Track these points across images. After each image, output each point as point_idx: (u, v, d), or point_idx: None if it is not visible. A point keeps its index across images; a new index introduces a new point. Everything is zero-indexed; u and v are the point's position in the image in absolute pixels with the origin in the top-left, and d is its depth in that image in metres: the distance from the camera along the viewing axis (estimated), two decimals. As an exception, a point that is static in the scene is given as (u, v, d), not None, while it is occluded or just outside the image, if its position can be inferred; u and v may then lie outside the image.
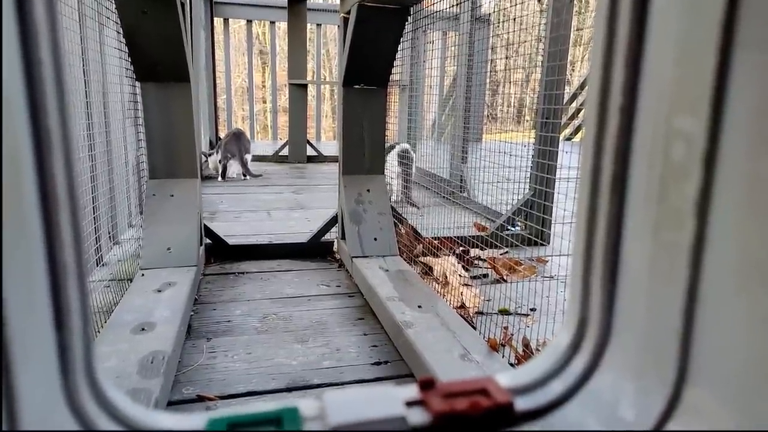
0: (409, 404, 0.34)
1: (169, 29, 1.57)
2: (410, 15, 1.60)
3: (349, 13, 1.65)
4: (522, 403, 0.34)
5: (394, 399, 0.34)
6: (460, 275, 1.74)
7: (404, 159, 2.75)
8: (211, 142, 4.22)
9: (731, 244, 0.26)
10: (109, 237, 1.96)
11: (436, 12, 2.23)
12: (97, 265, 1.77)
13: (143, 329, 1.24)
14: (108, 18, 1.76)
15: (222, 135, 3.96)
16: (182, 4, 1.62)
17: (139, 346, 1.15)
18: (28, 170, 0.25)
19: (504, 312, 1.52)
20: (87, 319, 0.29)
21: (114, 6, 1.51)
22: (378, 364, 1.26)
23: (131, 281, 1.54)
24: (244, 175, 3.59)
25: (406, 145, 2.85)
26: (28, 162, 0.25)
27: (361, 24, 1.59)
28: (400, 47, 1.71)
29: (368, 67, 1.75)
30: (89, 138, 1.69)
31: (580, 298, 0.36)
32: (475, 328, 1.36)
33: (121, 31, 1.59)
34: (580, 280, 0.36)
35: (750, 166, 0.24)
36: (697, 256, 0.27)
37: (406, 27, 1.65)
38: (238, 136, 3.56)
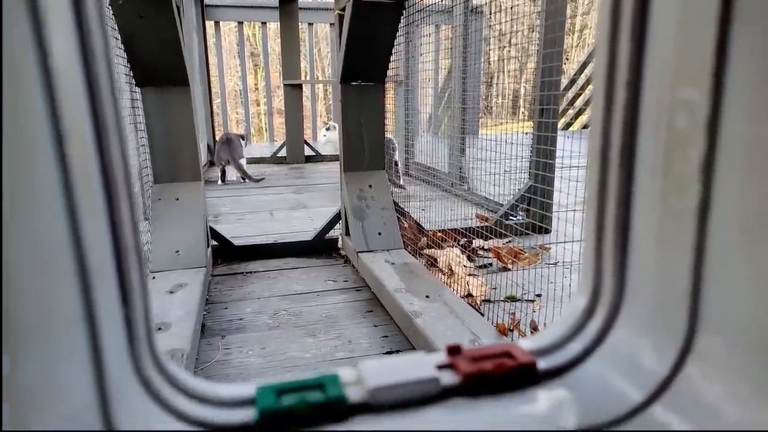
0: (440, 367, 0.37)
1: (166, 33, 1.59)
2: (405, 9, 1.62)
3: (344, 9, 1.67)
4: (544, 363, 0.37)
5: (425, 364, 0.36)
6: (464, 266, 1.77)
7: (387, 148, 2.90)
8: (209, 146, 4.23)
9: (734, 206, 0.28)
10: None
11: (430, 5, 2.26)
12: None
13: (159, 329, 1.26)
14: (106, 24, 1.77)
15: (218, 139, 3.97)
16: (178, 7, 1.64)
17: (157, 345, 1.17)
18: (93, 157, 0.27)
19: (511, 298, 1.55)
20: (146, 296, 0.31)
21: (111, 12, 1.53)
22: (390, 353, 1.29)
23: (142, 284, 1.57)
24: (243, 179, 3.58)
25: (389, 135, 2.95)
26: (92, 150, 0.27)
27: (357, 20, 1.61)
28: (395, 42, 1.73)
29: (365, 64, 1.77)
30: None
31: (593, 266, 0.39)
32: (483, 315, 1.39)
33: (119, 37, 1.60)
34: (592, 249, 0.39)
35: (751, 130, 0.27)
36: (702, 219, 0.30)
37: (401, 20, 1.67)
38: (227, 142, 3.52)
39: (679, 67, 0.30)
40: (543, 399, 0.34)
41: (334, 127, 3.84)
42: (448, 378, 0.36)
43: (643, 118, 0.34)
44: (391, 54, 1.75)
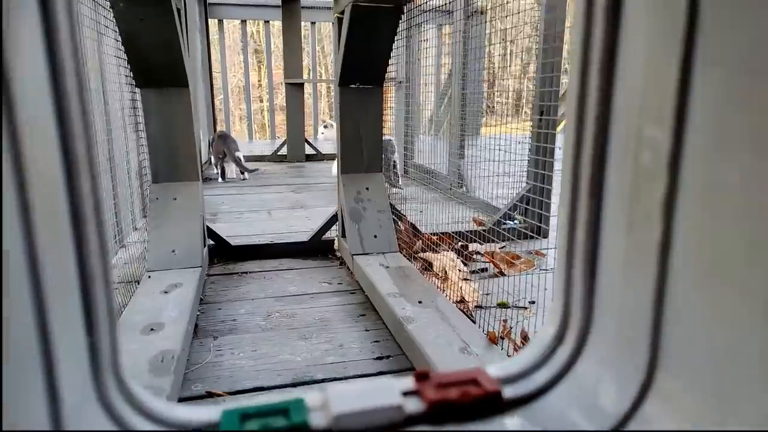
0: (406, 394, 0.37)
1: (166, 35, 1.59)
2: (404, 14, 1.62)
3: (343, 12, 1.67)
4: (510, 391, 0.37)
5: (391, 390, 0.37)
6: (459, 270, 1.77)
7: (386, 149, 3.05)
8: (209, 143, 4.24)
9: (694, 244, 0.29)
10: (116, 240, 1.99)
11: (430, 9, 2.25)
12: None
13: (152, 329, 1.27)
14: (107, 27, 1.78)
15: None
16: (178, 10, 1.65)
17: (148, 346, 1.18)
18: (60, 190, 0.27)
19: (503, 305, 1.55)
20: (113, 322, 0.32)
21: (112, 15, 1.53)
22: (380, 358, 1.29)
23: (138, 283, 1.58)
24: (242, 172, 3.61)
25: (387, 136, 3.01)
26: (60, 183, 0.27)
27: (356, 24, 1.61)
28: (394, 44, 1.73)
29: (364, 67, 1.77)
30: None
31: (563, 292, 0.39)
32: (474, 322, 1.39)
33: (120, 39, 1.61)
34: (563, 275, 0.39)
35: (710, 171, 0.27)
36: (664, 255, 0.30)
37: (400, 24, 1.68)
38: (223, 138, 3.56)
39: (644, 105, 0.31)
40: (507, 428, 0.34)
41: (332, 125, 3.87)
42: (414, 405, 0.36)
43: (611, 151, 0.34)
44: (390, 57, 1.75)
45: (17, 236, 0.23)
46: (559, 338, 0.39)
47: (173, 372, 1.07)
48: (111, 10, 1.52)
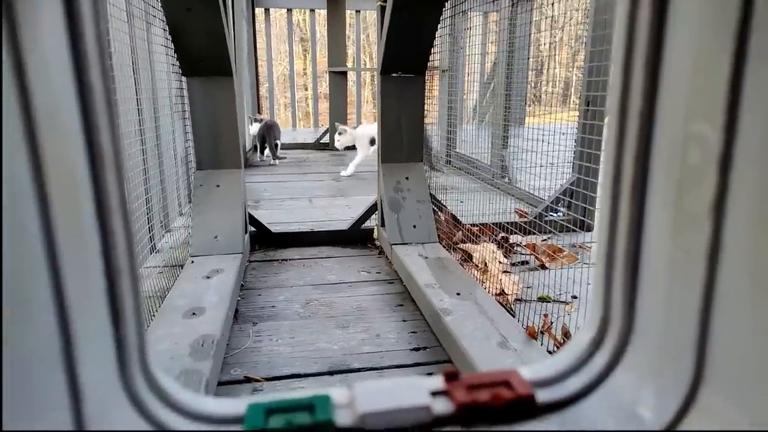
0: (435, 394, 0.36)
1: (212, 25, 1.62)
2: (448, 1, 1.59)
3: (385, 1, 1.65)
4: (543, 395, 0.35)
5: (420, 389, 0.36)
6: (500, 262, 1.74)
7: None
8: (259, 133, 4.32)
9: (745, 250, 0.26)
10: (162, 225, 2.05)
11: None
12: (152, 252, 1.86)
13: (194, 314, 1.30)
14: (154, 16, 1.82)
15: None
16: (224, 0, 1.67)
17: (190, 330, 1.21)
18: (84, 185, 0.28)
19: (544, 299, 1.51)
20: (140, 315, 0.32)
21: (160, 4, 1.57)
22: (417, 350, 1.29)
23: (182, 267, 1.62)
24: (273, 158, 3.84)
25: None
26: (84, 177, 0.28)
27: (398, 12, 1.59)
28: (439, 31, 1.70)
29: (406, 55, 1.75)
30: (140, 133, 1.76)
31: (603, 297, 0.37)
32: (514, 316, 1.36)
33: (167, 28, 1.64)
34: (602, 279, 0.37)
35: (763, 171, 0.25)
36: (713, 260, 0.28)
37: (444, 11, 1.64)
38: (268, 127, 3.83)
39: (692, 101, 0.28)
40: (537, 435, 0.33)
41: (345, 131, 3.72)
42: (442, 406, 0.35)
43: (656, 150, 0.32)
44: (432, 46, 1.73)
45: (36, 230, 0.23)
46: (596, 344, 0.37)
47: (212, 356, 1.10)
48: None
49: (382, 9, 1.70)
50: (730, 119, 0.26)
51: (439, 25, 1.67)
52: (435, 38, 1.70)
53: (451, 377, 0.38)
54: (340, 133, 3.73)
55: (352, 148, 3.75)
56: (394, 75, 1.80)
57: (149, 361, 0.34)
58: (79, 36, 0.29)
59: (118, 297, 0.29)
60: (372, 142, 3.52)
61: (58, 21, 0.27)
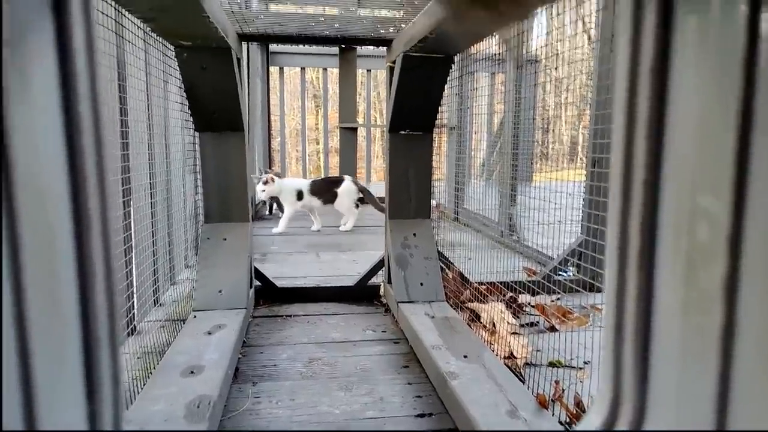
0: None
1: (226, 83, 1.66)
2: (454, 63, 1.63)
3: (394, 62, 1.70)
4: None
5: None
6: (508, 323, 1.70)
7: (357, 185, 3.40)
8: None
9: (762, 330, 0.25)
10: (167, 278, 2.04)
11: (483, 59, 2.26)
12: (155, 305, 1.84)
13: (192, 372, 1.27)
14: (170, 75, 1.88)
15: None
16: (238, 59, 1.72)
17: (187, 390, 1.17)
18: (66, 251, 0.27)
19: (554, 364, 1.46)
20: (117, 372, 0.30)
21: (177, 63, 1.62)
22: (422, 416, 1.23)
23: (184, 322, 1.60)
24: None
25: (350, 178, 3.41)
26: (67, 244, 0.27)
27: (406, 72, 1.63)
28: (447, 90, 1.73)
29: (414, 114, 1.78)
30: (150, 186, 1.78)
31: (613, 376, 0.35)
32: (523, 381, 1.31)
33: (182, 86, 1.69)
34: (611, 356, 0.35)
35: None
36: (727, 341, 0.26)
37: (452, 72, 1.68)
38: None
39: (698, 173, 0.27)
40: None
41: (271, 181, 3.23)
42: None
43: (663, 221, 0.30)
44: (440, 104, 1.75)
45: (7, 299, 0.22)
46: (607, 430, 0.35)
47: (208, 419, 1.06)
48: (176, 58, 1.60)
49: (391, 69, 1.75)
50: (739, 193, 0.25)
51: (446, 85, 1.70)
52: (443, 97, 1.73)
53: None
54: (265, 182, 3.21)
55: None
56: (403, 132, 1.83)
57: (121, 417, 0.31)
58: (73, 99, 0.28)
59: (95, 368, 0.28)
60: (299, 196, 3.29)
61: (51, 84, 0.27)
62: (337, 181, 3.37)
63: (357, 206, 3.37)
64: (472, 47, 1.88)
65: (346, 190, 3.33)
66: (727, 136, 0.25)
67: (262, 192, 3.19)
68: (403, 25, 1.66)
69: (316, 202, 3.30)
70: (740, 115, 0.25)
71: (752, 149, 0.24)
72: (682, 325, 0.29)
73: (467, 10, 1.03)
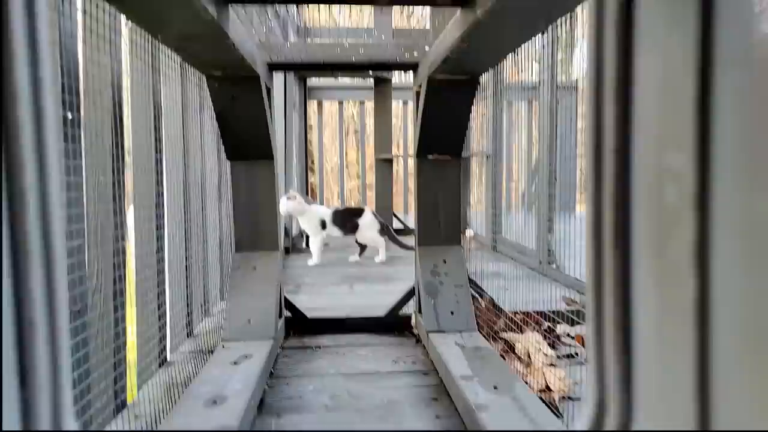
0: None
1: (256, 111, 1.69)
2: (479, 84, 1.61)
3: (420, 87, 1.69)
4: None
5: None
6: (545, 354, 1.61)
7: (377, 218, 3.36)
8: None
9: (735, 304, 0.20)
10: (202, 309, 2.05)
11: (517, 86, 2.24)
12: (188, 337, 1.85)
13: (215, 402, 1.25)
14: (201, 106, 1.94)
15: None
16: (268, 89, 1.76)
17: (207, 421, 1.15)
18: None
19: (593, 395, 1.36)
20: (59, 377, 0.28)
21: (208, 93, 1.67)
22: (448, 450, 1.17)
23: (212, 353, 1.59)
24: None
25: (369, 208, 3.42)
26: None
27: (432, 96, 1.62)
28: (483, 117, 1.71)
29: (441, 137, 1.76)
30: (185, 220, 1.82)
31: (596, 374, 0.31)
32: (560, 415, 1.23)
33: (214, 115, 1.74)
34: (594, 353, 0.31)
35: (745, 204, 0.19)
36: (701, 319, 0.22)
37: (486, 100, 1.66)
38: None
39: (663, 128, 0.24)
40: None
41: (295, 198, 3.20)
42: None
43: (635, 189, 0.26)
44: (467, 128, 1.73)
45: None
46: (590, 436, 0.30)
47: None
48: (208, 88, 1.65)
49: (417, 94, 1.74)
50: (702, 144, 0.21)
51: (478, 111, 1.68)
52: (469, 120, 1.71)
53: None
54: (289, 198, 3.17)
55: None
56: (430, 157, 1.81)
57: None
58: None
59: (27, 350, 0.26)
60: (323, 225, 3.27)
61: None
62: (358, 212, 3.38)
63: (381, 233, 3.36)
64: (509, 76, 1.85)
65: (367, 222, 3.33)
66: (688, 78, 0.22)
67: (283, 206, 3.08)
68: (427, 48, 1.66)
69: (337, 232, 3.31)
70: (699, 59, 0.21)
71: (713, 88, 0.21)
72: (658, 303, 0.25)
73: (486, 21, 1.02)
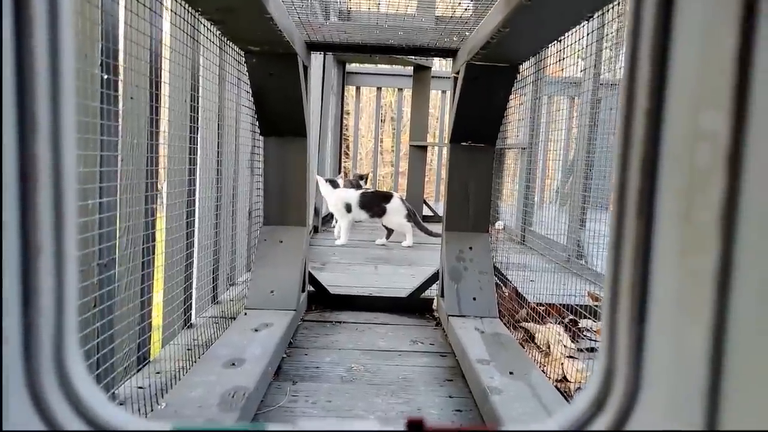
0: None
1: (292, 89, 1.71)
2: (519, 73, 1.58)
3: (458, 72, 1.68)
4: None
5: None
6: (565, 345, 1.59)
7: (404, 204, 3.41)
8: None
9: (759, 269, 0.20)
10: (227, 278, 2.09)
11: (559, 81, 2.19)
12: (212, 303, 1.90)
13: (233, 364, 1.28)
14: (239, 80, 1.96)
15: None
16: (305, 67, 1.77)
17: (225, 380, 1.19)
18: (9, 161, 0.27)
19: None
20: (61, 305, 0.29)
21: (245, 69, 1.69)
22: (459, 430, 1.17)
23: (234, 319, 1.63)
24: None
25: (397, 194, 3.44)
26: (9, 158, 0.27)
27: (469, 81, 1.60)
28: (521, 109, 1.68)
29: (476, 124, 1.74)
30: (217, 189, 1.85)
31: (608, 344, 0.30)
32: (573, 405, 1.22)
33: (251, 91, 1.76)
34: (607, 322, 0.30)
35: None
36: (722, 286, 0.21)
37: (524, 91, 1.63)
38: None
39: (700, 88, 0.23)
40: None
41: (339, 183, 3.46)
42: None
43: (663, 152, 0.26)
44: (503, 117, 1.71)
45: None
46: (598, 404, 0.30)
47: (240, 409, 1.06)
48: (245, 64, 1.66)
49: (455, 79, 1.73)
50: (739, 100, 0.20)
51: (517, 102, 1.65)
52: (506, 110, 1.69)
53: (415, 427, 0.32)
54: (327, 181, 3.44)
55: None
56: (464, 144, 1.79)
57: (67, 357, 0.30)
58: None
59: (32, 275, 0.27)
60: (348, 208, 3.35)
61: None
62: (386, 197, 3.38)
63: (408, 219, 3.36)
64: (549, 70, 1.81)
65: (395, 207, 3.34)
66: (729, 40, 0.21)
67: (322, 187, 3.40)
68: (467, 33, 1.64)
69: (363, 215, 3.33)
70: (743, 6, 0.20)
71: (755, 48, 0.20)
72: (679, 271, 0.24)
73: (528, 5, 1.00)
